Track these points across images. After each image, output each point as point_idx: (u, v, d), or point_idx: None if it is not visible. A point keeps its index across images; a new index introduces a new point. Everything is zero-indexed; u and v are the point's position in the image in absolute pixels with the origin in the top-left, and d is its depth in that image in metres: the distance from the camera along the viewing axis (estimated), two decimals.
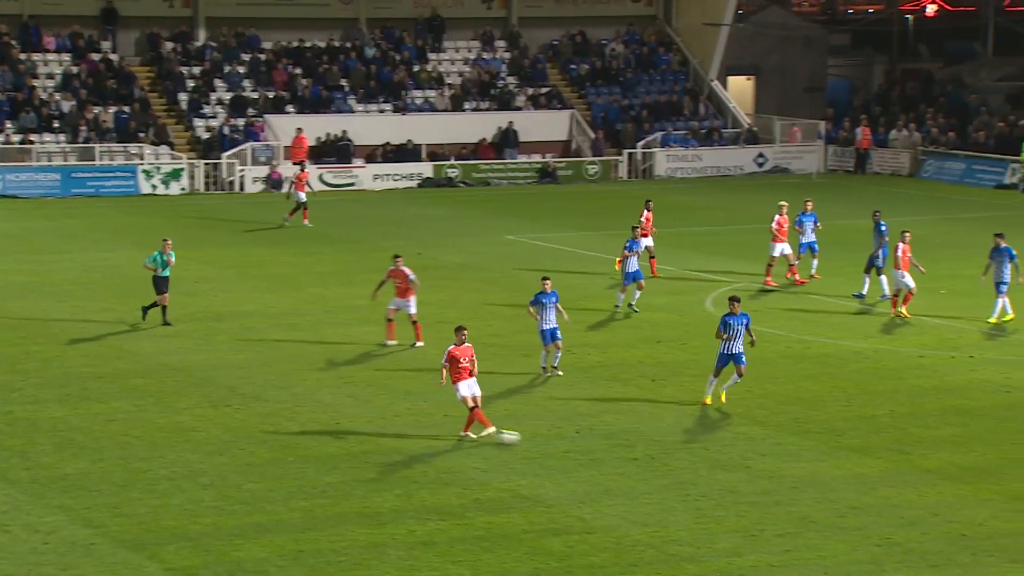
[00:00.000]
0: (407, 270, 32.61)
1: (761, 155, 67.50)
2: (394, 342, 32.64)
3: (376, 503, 22.82)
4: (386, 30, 69.53)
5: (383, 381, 30.12)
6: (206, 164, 60.85)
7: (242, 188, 60.65)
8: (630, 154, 65.95)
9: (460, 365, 25.79)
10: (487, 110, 67.42)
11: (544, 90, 68.77)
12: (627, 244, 36.40)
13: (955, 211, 48.63)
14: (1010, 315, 34.92)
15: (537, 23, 71.44)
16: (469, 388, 25.88)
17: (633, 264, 36.26)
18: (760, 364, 31.46)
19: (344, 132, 63.78)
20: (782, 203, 40.83)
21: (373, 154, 63.90)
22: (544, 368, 30.27)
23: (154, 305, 34.55)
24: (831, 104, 75.52)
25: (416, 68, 68.24)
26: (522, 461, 24.91)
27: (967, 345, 33.24)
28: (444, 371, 25.93)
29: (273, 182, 60.42)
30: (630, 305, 36.37)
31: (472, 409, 25.78)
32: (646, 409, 27.97)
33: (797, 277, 39.96)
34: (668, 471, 24.45)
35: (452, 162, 64.02)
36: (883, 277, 37.54)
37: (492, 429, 25.74)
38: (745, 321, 27.71)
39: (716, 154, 67.06)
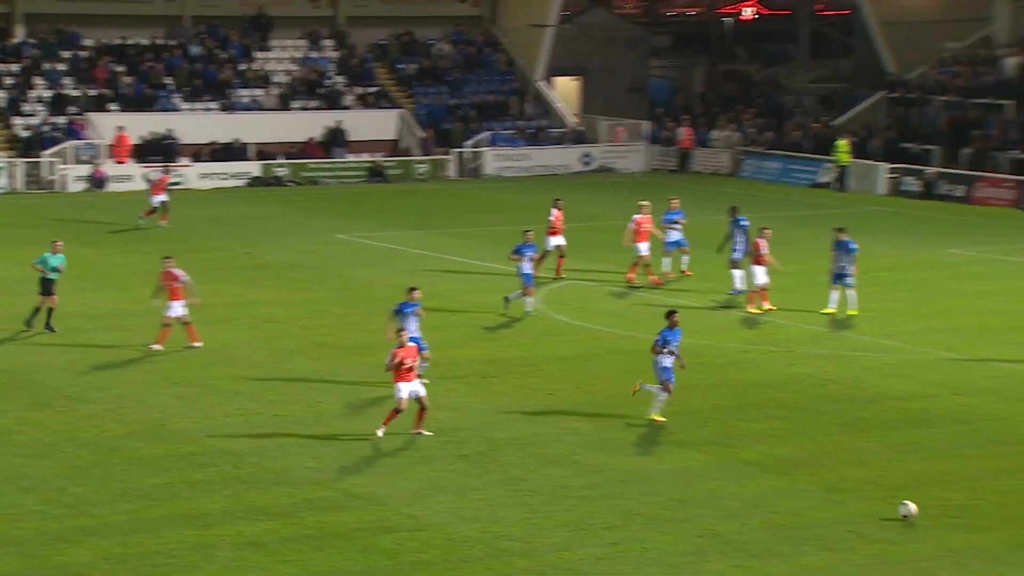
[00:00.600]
0: (179, 272, 31.95)
1: (587, 154, 68.00)
2: (160, 347, 31.88)
3: (204, 504, 22.50)
4: (211, 28, 68.68)
5: (211, 382, 29.70)
6: (26, 163, 59.50)
7: (64, 187, 59.40)
8: (459, 153, 65.97)
9: (404, 366, 25.60)
10: (315, 109, 66.99)
11: (372, 89, 68.52)
12: (515, 249, 36.20)
13: (774, 209, 49.46)
14: (853, 310, 35.51)
15: (364, 22, 71.10)
16: (410, 389, 25.68)
17: (527, 267, 35.94)
18: (588, 360, 31.74)
19: (169, 131, 62.91)
20: (643, 203, 40.89)
21: (199, 153, 63.06)
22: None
23: (37, 311, 33.54)
24: (655, 104, 76.37)
25: (242, 67, 67.52)
26: (354, 460, 24.77)
27: (787, 340, 33.82)
28: (393, 371, 25.70)
29: (96, 181, 59.34)
30: (527, 312, 35.85)
31: (400, 411, 25.61)
32: (477, 406, 27.98)
33: (652, 278, 39.81)
34: (498, 467, 24.48)
35: (280, 161, 63.52)
36: (736, 272, 37.91)
37: (381, 433, 25.64)
38: (679, 336, 27.33)
39: (543, 153, 67.41)
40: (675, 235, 40.75)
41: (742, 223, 38.34)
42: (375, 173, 64.38)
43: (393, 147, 67.09)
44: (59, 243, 34.32)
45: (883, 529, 21.55)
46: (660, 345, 26.97)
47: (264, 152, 64.25)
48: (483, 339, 33.62)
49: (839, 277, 35.65)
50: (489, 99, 69.82)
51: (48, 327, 33.40)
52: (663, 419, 26.83)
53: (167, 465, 24.37)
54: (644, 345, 33.05)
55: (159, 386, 29.36)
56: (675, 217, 40.99)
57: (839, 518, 21.93)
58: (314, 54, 69.68)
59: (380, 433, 25.58)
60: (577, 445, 25.64)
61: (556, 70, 73.18)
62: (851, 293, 35.74)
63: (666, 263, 40.89)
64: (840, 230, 36.38)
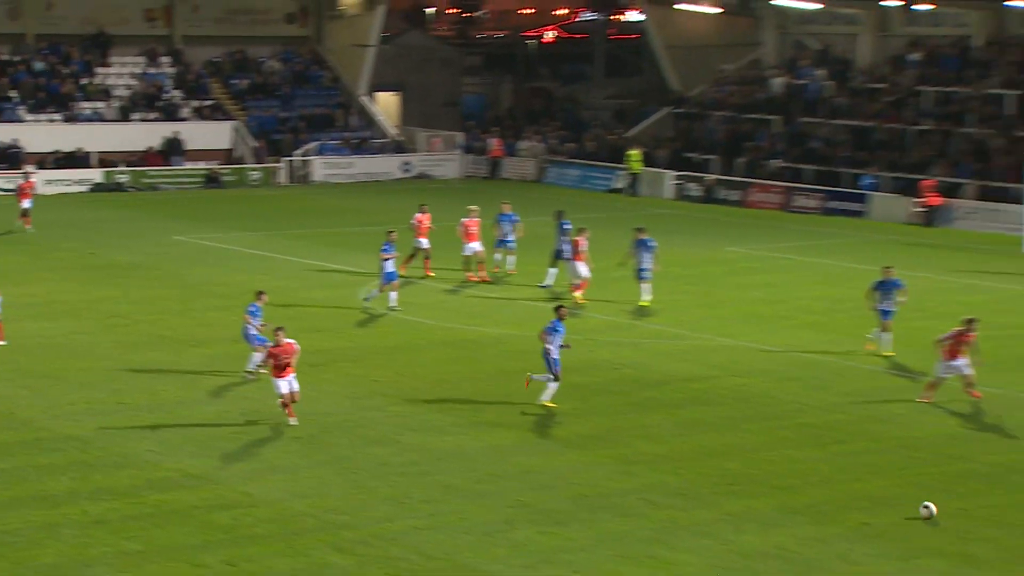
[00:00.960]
0: None
1: (407, 162, 67.97)
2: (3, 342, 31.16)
3: (50, 486, 21.98)
4: (53, 45, 67.16)
5: (58, 374, 29.03)
6: None
7: None
8: (289, 161, 65.46)
9: (280, 362, 25.15)
10: (154, 120, 65.93)
11: (207, 103, 67.66)
12: (383, 247, 35.68)
13: (575, 211, 49.71)
14: (647, 300, 35.96)
15: (199, 41, 70.12)
16: (289, 384, 25.25)
17: (390, 266, 35.54)
18: (410, 349, 31.70)
19: (15, 140, 61.60)
20: (472, 207, 40.59)
21: (44, 161, 61.61)
22: (249, 372, 29.16)
23: None
24: (467, 117, 76.60)
25: (84, 81, 66.15)
26: (193, 444, 24.40)
27: (588, 329, 34.07)
28: (268, 368, 25.31)
29: None
30: (391, 307, 35.44)
31: (288, 404, 25.25)
32: (307, 392, 27.70)
33: (483, 274, 39.58)
34: (327, 448, 24.34)
35: (122, 168, 62.43)
36: (553, 270, 38.01)
37: (294, 421, 25.22)
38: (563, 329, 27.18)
39: (367, 161, 67.18)
40: (506, 236, 40.48)
41: (565, 226, 38.65)
42: (211, 179, 63.56)
43: (228, 156, 66.35)
44: None
45: (671, 497, 21.88)
46: (548, 334, 26.95)
47: (106, 160, 63.09)
48: (314, 331, 33.32)
49: (641, 271, 36.14)
50: (316, 112, 69.44)
51: None
52: (554, 405, 26.73)
53: (14, 451, 23.76)
54: (462, 335, 33.24)
55: (8, 378, 28.61)
56: (505, 220, 40.70)
57: (633, 488, 22.22)
58: (152, 70, 68.50)
59: (293, 421, 25.26)
60: (399, 427, 25.60)
61: (377, 86, 73.02)
62: (647, 286, 36.25)
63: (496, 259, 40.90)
64: (640, 230, 36.93)
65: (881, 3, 61.53)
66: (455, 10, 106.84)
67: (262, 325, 28.60)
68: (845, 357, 30.96)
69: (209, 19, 70.57)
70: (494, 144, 68.60)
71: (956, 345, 26.82)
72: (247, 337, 28.93)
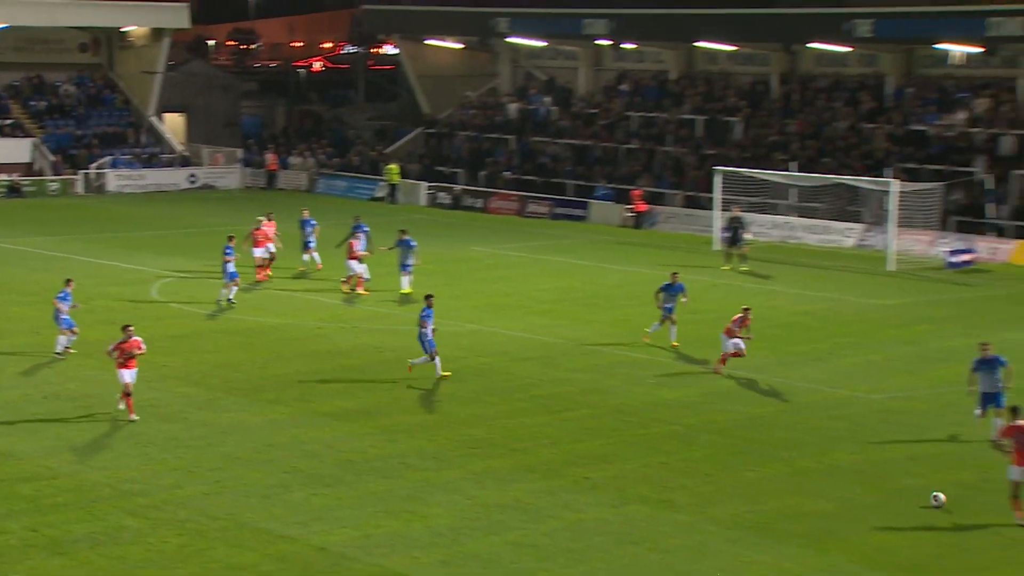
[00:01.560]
0: None
1: (192, 175, 66.34)
2: None
3: None
4: None
5: None
6: None
7: None
8: (85, 174, 63.16)
9: (126, 356, 23.97)
10: None
11: (8, 122, 64.88)
12: (225, 250, 34.62)
13: (345, 217, 49.32)
14: (408, 289, 35.97)
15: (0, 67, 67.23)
16: (132, 376, 24.01)
17: (231, 267, 34.41)
18: (196, 337, 31.00)
19: None
20: (267, 213, 39.46)
21: None
22: (59, 353, 28.14)
23: None
24: (246, 136, 75.31)
25: None
26: None
27: (354, 318, 33.95)
28: (113, 358, 24.06)
29: None
30: (229, 300, 34.48)
31: (128, 394, 23.89)
32: (103, 377, 26.84)
33: (267, 272, 38.29)
34: (122, 425, 23.61)
35: None
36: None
37: (135, 416, 23.79)
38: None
39: (157, 174, 65.32)
40: (309, 239, 39.68)
41: (363, 228, 38.16)
42: (13, 190, 60.85)
43: (28, 169, 63.64)
44: None
45: (425, 460, 21.95)
46: (424, 320, 27.01)
47: None
48: (108, 323, 32.24)
49: (404, 267, 36.24)
50: (109, 130, 67.26)
51: None
52: (448, 373, 27.06)
53: None
54: (243, 325, 32.64)
55: None
56: (307, 224, 39.98)
57: (392, 453, 22.21)
58: None
59: (133, 417, 23.89)
60: (187, 405, 25.04)
61: (165, 107, 71.16)
62: (408, 278, 36.25)
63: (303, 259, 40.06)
64: (403, 231, 36.99)
65: (595, 42, 62.85)
66: (233, 42, 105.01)
67: (71, 307, 27.73)
68: (571, 339, 31.53)
69: (9, 47, 67.68)
70: (270, 159, 67.60)
71: (735, 327, 27.94)
72: (57, 321, 27.96)
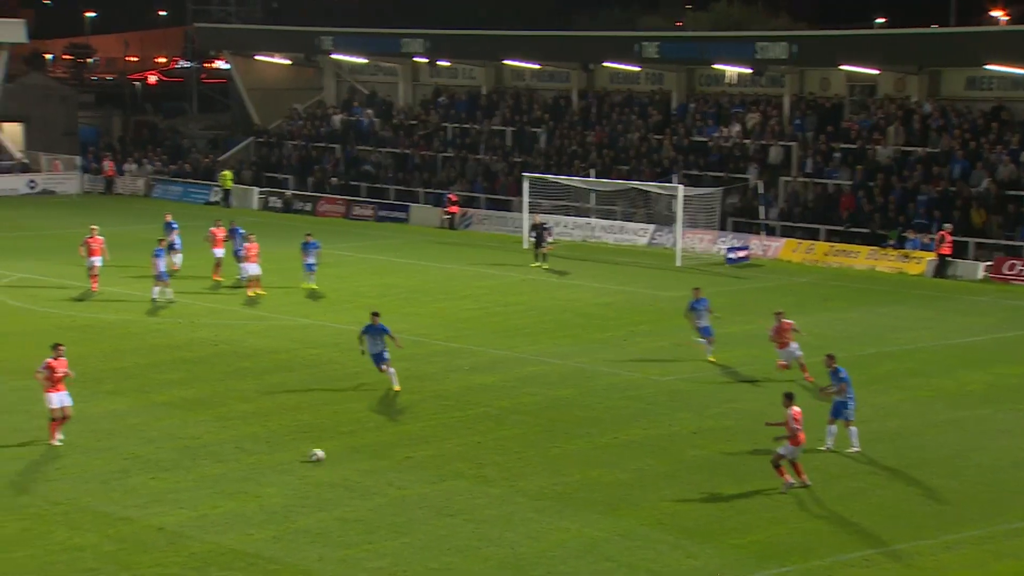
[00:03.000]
0: None
1: (32, 181, 63.79)
2: None
3: None
4: None
5: None
6: None
7: None
8: None
9: (55, 376, 21.24)
10: None
11: None
12: (155, 252, 33.95)
13: (181, 220, 48.06)
14: (313, 284, 35.52)
15: None
16: (60, 399, 21.30)
17: (161, 265, 33.69)
18: (37, 334, 29.81)
19: None
20: (93, 226, 36.79)
21: None
22: None
23: None
24: (84, 144, 72.71)
25: None
26: None
27: (191, 314, 33.16)
28: (40, 378, 21.34)
29: None
30: (154, 299, 33.69)
31: (58, 420, 21.17)
32: None
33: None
34: None
35: None
36: (243, 265, 36.19)
37: (58, 439, 21.06)
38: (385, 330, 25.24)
39: None
40: (176, 240, 38.48)
41: (240, 232, 37.56)
42: None
43: None
44: None
45: (259, 444, 21.65)
46: (362, 333, 25.20)
47: None
48: None
49: (310, 266, 36.59)
50: None
51: None
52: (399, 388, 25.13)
53: None
54: (82, 321, 31.45)
55: None
56: (174, 226, 38.98)
57: (228, 439, 21.81)
58: None
59: (57, 440, 21.22)
60: (25, 399, 23.91)
61: (4, 117, 68.21)
62: (312, 276, 36.39)
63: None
64: (308, 234, 37.16)
65: (413, 59, 62.76)
66: (70, 56, 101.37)
67: None
68: (395, 330, 31.32)
69: None
70: (108, 166, 65.42)
71: (780, 335, 25.80)
72: None
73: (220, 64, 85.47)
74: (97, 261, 35.78)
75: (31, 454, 20.68)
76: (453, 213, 53.45)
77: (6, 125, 69.01)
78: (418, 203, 56.07)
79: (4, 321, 31.42)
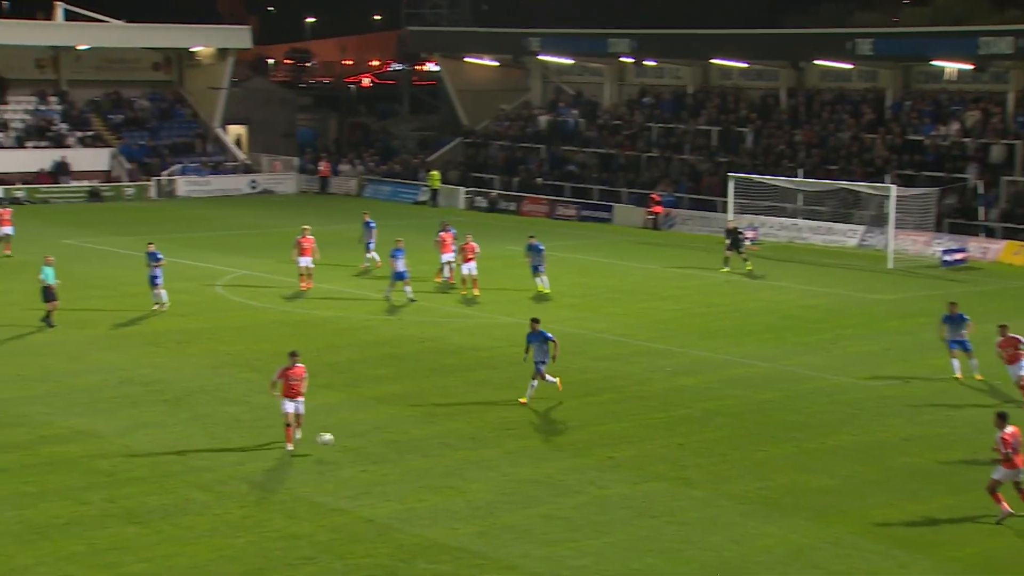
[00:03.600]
0: None
1: (254, 181, 66.66)
2: None
3: None
4: None
5: None
6: None
7: None
8: (157, 180, 63.58)
9: (291, 383, 20.96)
10: (45, 147, 63.31)
11: (89, 133, 65.32)
12: (392, 252, 34.18)
13: (390, 219, 49.54)
14: (548, 289, 35.41)
15: (82, 84, 67.66)
16: (296, 407, 21.02)
17: (400, 265, 33.95)
18: (256, 328, 31.15)
19: None
20: (305, 226, 37.74)
21: None
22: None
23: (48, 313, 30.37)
24: (302, 145, 75.61)
25: None
26: (79, 405, 23.56)
27: (399, 311, 33.97)
28: (275, 386, 21.00)
29: None
30: (387, 298, 34.37)
31: (291, 425, 20.99)
32: (172, 364, 27.09)
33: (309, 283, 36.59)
34: (190, 408, 23.77)
35: (19, 186, 59.77)
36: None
37: (291, 447, 20.88)
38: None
39: (222, 180, 65.63)
40: (372, 240, 38.88)
41: (371, 225, 38.00)
42: (93, 195, 61.34)
43: (107, 176, 64.09)
44: (50, 258, 31.63)
45: (464, 440, 21.97)
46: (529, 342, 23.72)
47: (5, 179, 60.28)
48: (178, 316, 32.55)
49: (536, 269, 35.63)
50: (179, 141, 67.61)
51: (50, 324, 30.58)
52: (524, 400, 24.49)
53: None
54: (298, 317, 32.76)
55: None
56: (370, 225, 39.24)
57: (433, 434, 22.22)
58: (43, 107, 65.75)
59: (289, 447, 20.67)
60: (248, 390, 25.15)
61: (229, 120, 71.52)
62: (545, 279, 35.48)
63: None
64: (531, 236, 36.38)
65: (619, 60, 62.66)
66: (290, 61, 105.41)
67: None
68: (595, 330, 31.47)
69: (90, 66, 68.20)
70: (323, 167, 67.80)
71: (1013, 352, 24.05)
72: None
73: (431, 66, 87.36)
74: (306, 261, 35.89)
75: (249, 443, 21.58)
76: (657, 213, 53.11)
77: (231, 128, 72.40)
78: (622, 203, 55.95)
79: (228, 316, 32.94)
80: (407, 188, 64.01)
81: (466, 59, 68.97)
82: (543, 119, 65.10)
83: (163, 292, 33.20)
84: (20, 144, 62.93)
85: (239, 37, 69.17)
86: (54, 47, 66.11)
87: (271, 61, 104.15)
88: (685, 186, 55.41)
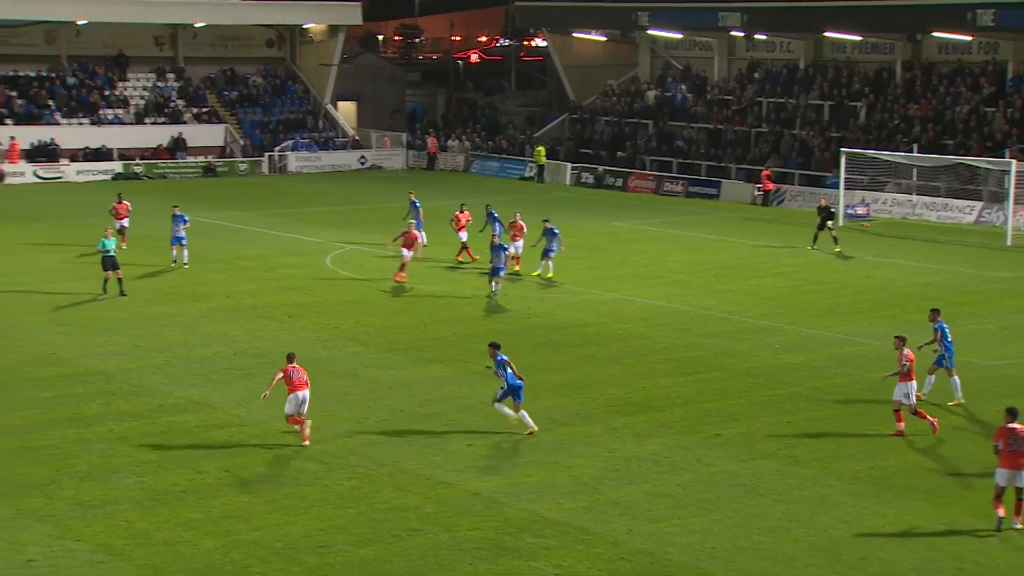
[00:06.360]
0: None
1: (363, 157, 67.36)
2: None
3: (84, 410, 21.69)
4: (82, 64, 65.68)
5: (88, 323, 28.58)
6: None
7: None
8: (269, 156, 64.66)
9: (293, 381, 20.09)
10: (163, 123, 64.78)
11: (205, 110, 66.58)
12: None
13: (498, 195, 49.67)
14: (551, 274, 34.90)
15: (198, 61, 68.98)
16: (296, 401, 20.04)
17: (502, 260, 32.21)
18: (364, 303, 31.52)
19: (52, 139, 60.25)
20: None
21: (76, 156, 60.44)
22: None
23: (106, 281, 31.33)
24: (410, 121, 76.12)
25: (107, 93, 64.84)
26: (194, 376, 24.12)
27: (505, 287, 33.99)
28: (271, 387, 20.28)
29: None
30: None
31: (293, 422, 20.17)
32: (285, 337, 27.55)
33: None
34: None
35: (137, 161, 61.34)
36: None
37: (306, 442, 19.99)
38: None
39: (331, 156, 66.47)
40: (418, 219, 37.81)
41: (416, 205, 38.27)
42: (208, 170, 62.64)
43: (221, 151, 65.37)
44: (109, 229, 32.54)
45: (569, 416, 21.96)
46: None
47: (125, 155, 61.92)
48: (289, 290, 33.10)
49: (546, 252, 34.56)
50: (291, 117, 68.58)
51: (121, 292, 31.36)
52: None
53: (54, 383, 23.37)
54: (404, 292, 33.08)
55: (48, 325, 28.13)
56: (415, 207, 38.93)
57: (539, 409, 22.14)
58: (161, 83, 67.26)
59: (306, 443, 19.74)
60: (356, 364, 25.47)
61: (339, 96, 72.29)
62: (545, 262, 34.78)
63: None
64: (546, 220, 35.16)
65: (729, 34, 61.73)
66: (400, 37, 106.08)
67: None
68: (702, 307, 31.17)
69: (205, 44, 69.48)
70: (431, 142, 68.18)
71: None
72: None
73: (538, 42, 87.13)
74: (408, 253, 34.01)
75: (357, 415, 21.86)
76: (767, 189, 52.31)
77: (341, 104, 73.19)
78: (730, 179, 55.22)
79: (337, 290, 33.39)
80: (514, 164, 64.07)
81: (574, 34, 68.63)
82: (651, 94, 64.51)
83: (186, 252, 35.19)
84: (139, 120, 64.55)
85: (350, 13, 69.84)
86: (171, 24, 67.52)
87: (381, 37, 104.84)
88: (795, 161, 54.45)
